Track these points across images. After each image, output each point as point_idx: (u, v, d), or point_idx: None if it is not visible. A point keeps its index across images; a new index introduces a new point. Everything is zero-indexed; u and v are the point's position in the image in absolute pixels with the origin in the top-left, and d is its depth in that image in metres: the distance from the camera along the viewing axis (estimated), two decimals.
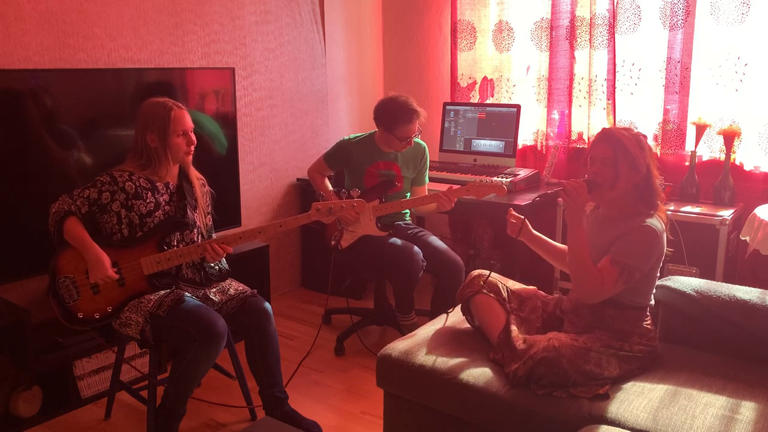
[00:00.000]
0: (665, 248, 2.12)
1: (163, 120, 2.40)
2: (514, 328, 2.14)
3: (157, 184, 2.48)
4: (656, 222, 2.09)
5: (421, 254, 3.01)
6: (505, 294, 2.29)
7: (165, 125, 2.40)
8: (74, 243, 2.32)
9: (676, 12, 3.26)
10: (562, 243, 2.42)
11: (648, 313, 2.17)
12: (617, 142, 2.09)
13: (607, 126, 3.52)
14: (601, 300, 2.09)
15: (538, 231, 2.42)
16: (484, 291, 2.28)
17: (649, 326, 2.15)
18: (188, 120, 2.47)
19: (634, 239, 2.06)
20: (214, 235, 2.65)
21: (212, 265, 2.57)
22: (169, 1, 3.24)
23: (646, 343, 2.10)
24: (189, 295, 2.44)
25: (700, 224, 3.04)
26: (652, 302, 2.19)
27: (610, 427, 1.76)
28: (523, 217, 2.35)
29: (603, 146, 2.12)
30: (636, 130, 2.16)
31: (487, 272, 2.34)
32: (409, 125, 3.06)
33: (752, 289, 2.25)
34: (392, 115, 3.06)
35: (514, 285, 2.37)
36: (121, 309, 2.37)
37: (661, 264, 2.14)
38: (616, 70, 3.51)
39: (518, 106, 3.71)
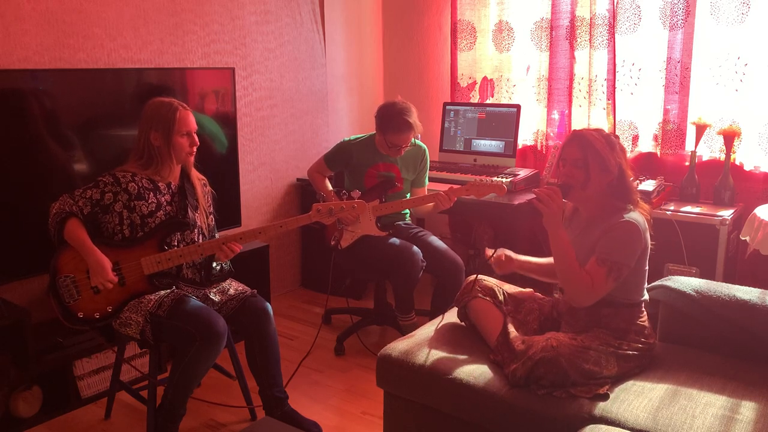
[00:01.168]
0: (649, 241, 2.13)
1: (168, 119, 2.41)
2: (512, 329, 2.14)
3: (159, 184, 2.48)
4: (636, 216, 2.11)
5: (421, 254, 3.01)
6: (501, 297, 2.30)
7: (170, 125, 2.40)
8: (75, 245, 2.32)
9: (676, 12, 3.26)
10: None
11: (643, 309, 2.18)
12: (587, 144, 2.12)
13: (607, 126, 3.54)
14: (594, 301, 2.09)
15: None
16: (480, 295, 2.28)
17: (644, 323, 2.15)
18: (193, 121, 2.48)
19: (616, 236, 2.07)
20: (217, 235, 2.66)
21: (214, 264, 2.57)
22: (169, 1, 3.24)
23: (644, 340, 2.10)
24: (189, 295, 2.44)
25: (700, 224, 3.04)
26: (646, 297, 2.20)
27: (610, 427, 1.76)
28: (501, 251, 2.36)
29: (573, 148, 2.15)
30: (606, 132, 2.20)
31: (482, 276, 2.35)
32: (399, 135, 3.05)
33: (752, 289, 2.25)
34: (386, 120, 3.06)
35: (511, 288, 2.38)
36: (122, 309, 2.37)
37: (648, 257, 2.15)
38: (616, 70, 3.51)
39: (518, 106, 3.71)
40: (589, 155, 2.11)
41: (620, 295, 2.11)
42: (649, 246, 2.14)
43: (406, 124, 3.03)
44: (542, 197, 2.11)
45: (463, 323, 2.37)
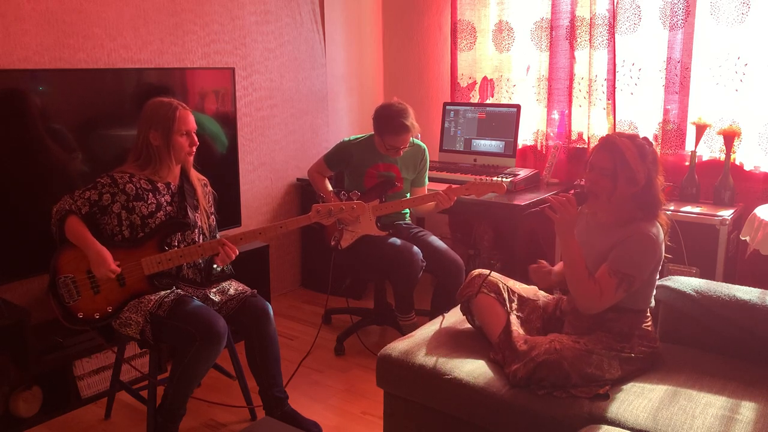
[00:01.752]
0: (663, 254, 2.10)
1: (167, 118, 2.41)
2: (514, 328, 2.13)
3: (158, 184, 2.47)
4: (654, 229, 2.06)
5: (421, 254, 3.00)
6: (505, 294, 2.28)
7: (169, 124, 2.40)
8: (76, 241, 2.33)
9: (676, 12, 3.26)
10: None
11: (648, 315, 2.16)
12: (618, 154, 2.03)
13: (607, 126, 3.53)
14: (602, 310, 2.07)
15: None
16: (484, 291, 2.27)
17: (649, 328, 2.14)
18: (192, 121, 2.48)
19: (631, 248, 2.03)
20: (218, 236, 2.65)
21: (215, 266, 2.57)
22: (169, 1, 3.24)
23: (647, 344, 2.09)
24: (189, 295, 2.44)
25: (700, 224, 3.04)
26: (652, 304, 2.18)
27: (610, 427, 1.76)
28: (548, 266, 2.30)
29: (603, 156, 2.06)
30: (642, 136, 2.11)
31: (487, 271, 2.34)
32: (397, 137, 3.04)
33: (752, 289, 2.25)
34: (383, 122, 3.06)
35: (515, 285, 2.37)
36: (121, 309, 2.37)
37: (660, 268, 2.12)
38: (616, 70, 3.51)
39: (518, 106, 3.71)
40: (618, 166, 2.03)
41: (627, 301, 2.09)
42: (663, 258, 2.10)
43: (403, 127, 3.02)
44: (555, 206, 2.06)
45: (465, 319, 2.36)
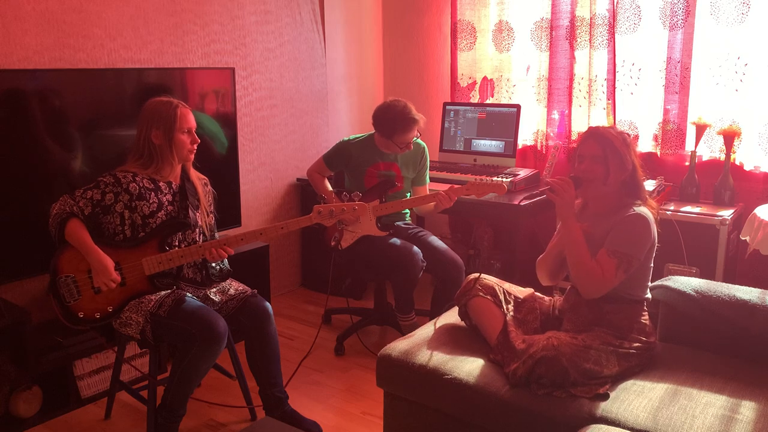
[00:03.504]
0: (656, 238, 2.15)
1: (168, 117, 2.41)
2: (512, 328, 2.14)
3: (160, 183, 2.47)
4: (645, 210, 2.13)
5: (421, 254, 3.01)
6: (501, 296, 2.30)
7: (171, 122, 2.41)
8: (77, 246, 2.32)
9: (676, 12, 3.26)
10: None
11: (645, 308, 2.19)
12: (605, 140, 2.14)
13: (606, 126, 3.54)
14: (604, 293, 2.10)
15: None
16: (480, 294, 2.28)
17: (646, 321, 2.16)
18: (192, 119, 2.49)
19: (626, 228, 2.10)
20: (217, 235, 2.66)
21: (213, 264, 2.57)
22: (169, 1, 3.24)
23: (644, 339, 2.11)
24: (189, 295, 2.44)
25: (700, 224, 3.05)
26: (649, 296, 2.21)
27: (610, 427, 1.76)
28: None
29: (592, 144, 2.16)
30: (620, 129, 2.22)
31: (483, 275, 2.35)
32: (407, 134, 3.08)
33: (752, 289, 2.25)
34: (391, 123, 3.07)
35: (511, 287, 2.38)
36: (122, 309, 2.37)
37: (654, 254, 2.16)
38: (616, 70, 3.51)
39: (518, 106, 3.71)
40: (608, 151, 2.13)
41: (624, 290, 2.13)
42: (656, 242, 2.15)
43: (412, 122, 3.07)
44: (556, 188, 2.13)
45: (463, 322, 2.37)
